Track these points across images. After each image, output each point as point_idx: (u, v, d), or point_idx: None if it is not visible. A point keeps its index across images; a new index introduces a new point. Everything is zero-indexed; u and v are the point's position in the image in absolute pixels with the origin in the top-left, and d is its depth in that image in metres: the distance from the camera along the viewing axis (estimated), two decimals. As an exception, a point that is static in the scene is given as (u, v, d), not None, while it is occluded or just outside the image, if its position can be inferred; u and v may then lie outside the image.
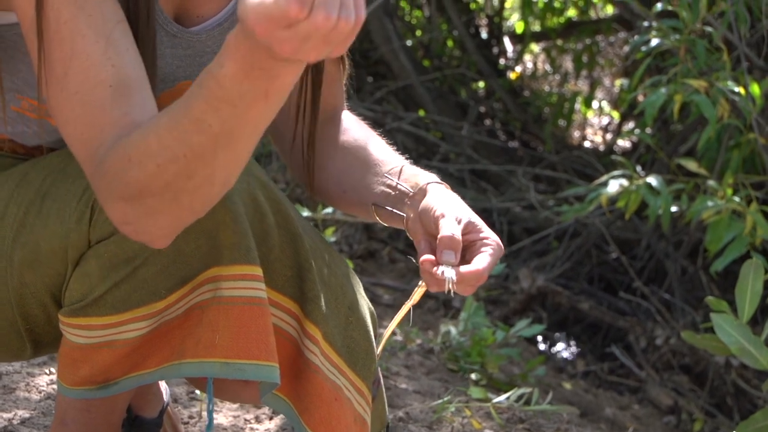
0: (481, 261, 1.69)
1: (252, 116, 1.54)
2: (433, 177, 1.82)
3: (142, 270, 1.78)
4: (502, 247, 1.72)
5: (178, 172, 1.60)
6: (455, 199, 1.79)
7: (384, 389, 2.10)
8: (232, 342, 1.83)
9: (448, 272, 1.65)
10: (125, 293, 1.80)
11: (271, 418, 2.79)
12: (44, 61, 1.73)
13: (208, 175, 1.62)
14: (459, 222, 1.72)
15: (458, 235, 1.69)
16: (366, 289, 2.49)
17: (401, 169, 1.86)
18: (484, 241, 1.73)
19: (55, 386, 2.76)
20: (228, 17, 1.99)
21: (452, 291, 1.66)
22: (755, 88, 3.55)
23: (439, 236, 1.71)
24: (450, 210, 1.75)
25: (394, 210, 1.82)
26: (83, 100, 1.72)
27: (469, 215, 1.74)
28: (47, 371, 2.85)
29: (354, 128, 2.00)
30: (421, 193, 1.79)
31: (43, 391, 2.79)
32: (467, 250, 1.72)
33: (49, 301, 1.86)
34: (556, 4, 5.97)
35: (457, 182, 4.54)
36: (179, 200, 1.65)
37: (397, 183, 1.83)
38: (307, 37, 1.38)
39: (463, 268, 1.66)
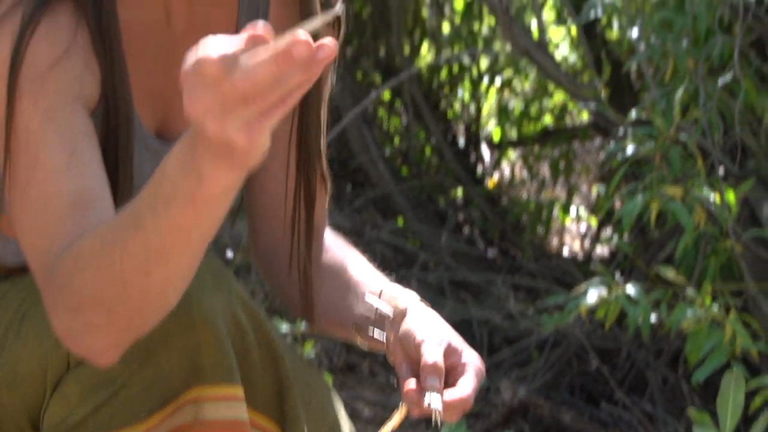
0: (466, 387, 1.69)
1: (181, 224, 1.52)
2: (413, 297, 1.83)
3: (122, 392, 1.77)
4: (484, 369, 1.72)
5: (114, 277, 1.60)
6: (435, 320, 1.80)
7: None
8: None
9: (435, 402, 1.65)
10: (106, 416, 1.79)
11: None
12: (9, 169, 1.75)
13: (143, 288, 1.61)
14: (441, 343, 1.73)
15: (441, 362, 1.68)
16: (346, 404, 2.53)
17: (381, 290, 1.86)
18: (466, 364, 1.73)
19: None
20: None
21: (439, 421, 1.66)
22: (730, 195, 3.38)
23: (422, 363, 1.70)
24: (430, 334, 1.75)
25: (375, 332, 1.82)
26: (41, 209, 1.73)
27: (450, 337, 1.74)
28: None
29: (335, 247, 2.02)
30: (401, 314, 1.80)
31: None
32: (449, 373, 1.71)
33: (26, 425, 1.84)
34: (532, 112, 5.90)
35: (436, 292, 4.53)
36: (115, 314, 1.64)
37: (378, 305, 1.84)
38: (226, 93, 1.35)
39: (449, 396, 1.66)
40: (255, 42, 1.32)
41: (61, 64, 1.76)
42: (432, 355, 1.68)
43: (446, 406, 1.64)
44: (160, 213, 1.52)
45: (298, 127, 1.98)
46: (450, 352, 1.71)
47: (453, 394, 1.65)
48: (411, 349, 1.72)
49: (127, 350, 1.67)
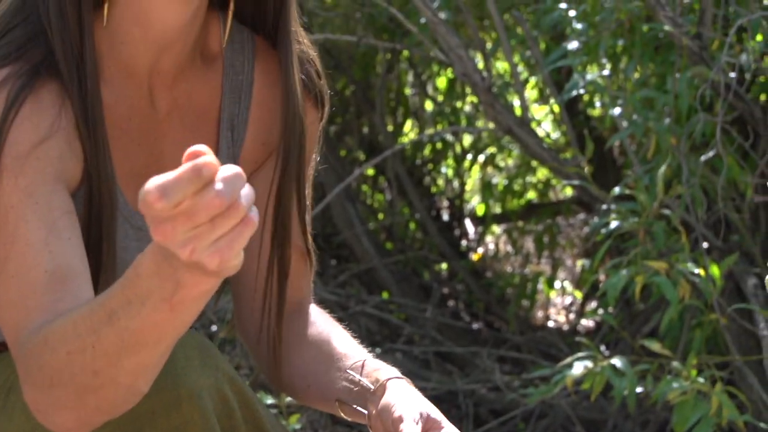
0: None
1: (156, 322, 1.53)
2: (394, 372, 1.84)
3: None
4: None
5: (85, 365, 1.60)
6: (414, 395, 1.80)
7: None
8: None
9: None
10: None
11: None
12: None
13: (113, 377, 1.62)
14: (417, 422, 1.73)
15: None
16: None
17: (363, 364, 1.87)
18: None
19: None
20: None
21: None
22: (715, 270, 3.39)
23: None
24: (408, 410, 1.76)
25: (357, 407, 1.83)
26: (18, 284, 1.74)
27: (429, 411, 1.75)
28: None
29: (319, 321, 2.01)
30: (382, 389, 1.80)
31: None
32: None
33: None
34: (516, 187, 5.85)
35: (422, 365, 4.51)
36: (84, 398, 1.65)
37: (359, 379, 1.84)
38: (184, 223, 1.35)
39: None
40: (198, 172, 1.32)
41: (44, 144, 1.77)
42: (409, 430, 1.70)
43: None
44: (136, 310, 1.53)
45: (275, 204, 1.99)
46: (430, 425, 1.73)
47: None
48: (389, 423, 1.74)
49: (115, 427, 1.68)
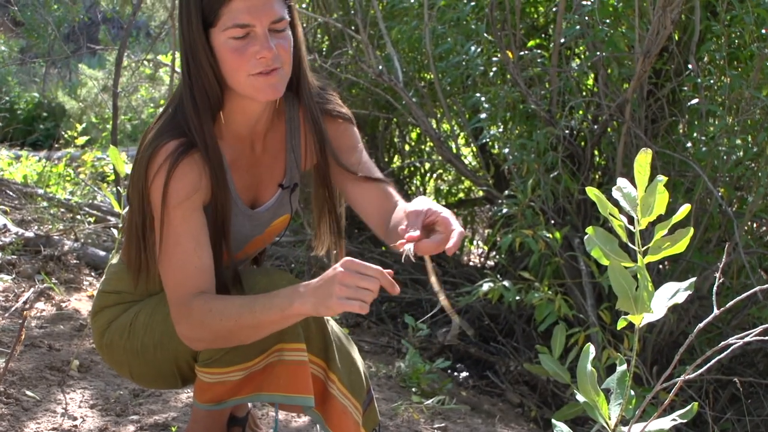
0: (435, 237, 1.94)
1: (273, 321, 2.01)
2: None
3: (242, 346, 2.15)
4: (449, 220, 1.96)
5: (228, 329, 2.02)
6: (422, 200, 2.02)
7: (376, 403, 2.43)
8: (289, 384, 2.19)
9: (407, 247, 1.92)
10: (231, 357, 2.18)
11: (304, 415, 3.22)
12: (162, 245, 2.13)
13: (246, 337, 2.07)
14: (418, 215, 1.97)
15: (418, 219, 1.95)
16: (357, 345, 2.80)
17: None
18: (440, 218, 1.96)
19: (190, 401, 3.27)
20: (274, 203, 2.35)
21: (412, 257, 1.91)
22: (557, 234, 4.18)
23: (406, 213, 1.99)
24: (413, 205, 2.02)
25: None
26: (179, 269, 2.10)
27: (430, 206, 1.99)
28: (186, 392, 3.39)
29: (400, 203, 2.25)
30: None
31: (184, 402, 3.30)
32: (433, 226, 1.98)
33: (190, 359, 2.29)
34: (453, 191, 6.61)
35: (401, 286, 4.90)
36: (216, 339, 2.09)
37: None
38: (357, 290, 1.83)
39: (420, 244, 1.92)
40: (380, 273, 1.83)
41: (197, 193, 2.12)
42: (411, 215, 1.97)
43: (417, 248, 1.92)
44: (263, 314, 1.97)
45: (324, 180, 2.37)
46: (431, 215, 1.97)
47: (421, 243, 1.92)
48: (398, 224, 2.06)
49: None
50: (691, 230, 1.62)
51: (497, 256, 5.47)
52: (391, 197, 2.27)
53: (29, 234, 5.11)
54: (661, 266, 4.44)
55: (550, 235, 4.17)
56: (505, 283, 4.10)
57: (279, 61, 2.08)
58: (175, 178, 2.05)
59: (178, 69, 7.36)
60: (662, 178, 1.58)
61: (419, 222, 1.94)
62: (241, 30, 2.04)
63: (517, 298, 4.07)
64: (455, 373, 4.74)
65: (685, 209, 1.59)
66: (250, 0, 2.03)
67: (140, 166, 2.09)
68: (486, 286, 4.11)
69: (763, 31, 4.21)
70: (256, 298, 1.99)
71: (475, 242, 6.65)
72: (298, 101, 2.28)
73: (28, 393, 3.14)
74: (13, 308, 4.09)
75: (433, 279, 1.98)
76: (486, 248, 6.22)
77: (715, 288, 1.72)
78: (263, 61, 2.05)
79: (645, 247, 1.62)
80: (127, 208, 2.24)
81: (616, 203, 1.64)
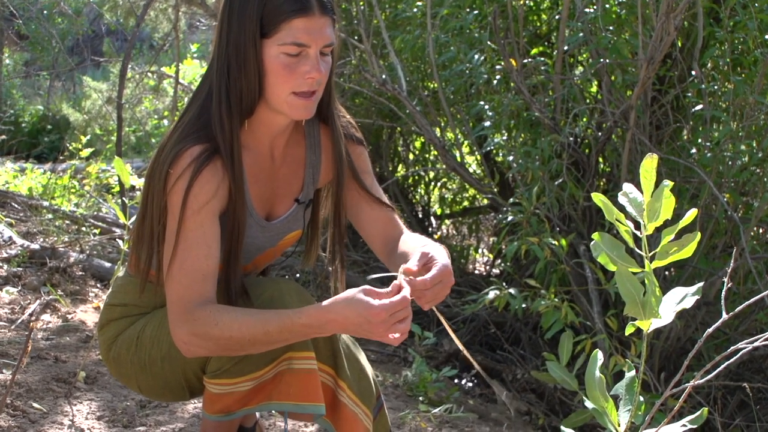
0: (429, 275, 2.00)
1: (289, 338, 2.03)
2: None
3: (251, 355, 2.14)
4: (442, 265, 2.03)
5: (239, 342, 2.02)
6: (427, 243, 2.14)
7: (386, 410, 2.42)
8: (300, 392, 2.19)
9: (400, 277, 2.00)
10: (240, 367, 2.17)
11: (313, 424, 3.27)
12: (175, 248, 2.12)
13: (252, 351, 2.08)
14: (421, 258, 2.03)
15: (414, 263, 2.02)
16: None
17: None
18: (434, 264, 2.02)
19: (198, 411, 3.33)
20: (288, 217, 2.36)
21: (403, 282, 1.97)
22: (563, 241, 4.13)
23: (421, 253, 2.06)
24: (415, 251, 2.10)
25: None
26: (188, 275, 2.10)
27: (431, 251, 2.07)
28: (193, 403, 3.43)
29: (407, 238, 2.31)
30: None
31: (191, 413, 3.34)
32: (428, 269, 2.04)
33: (199, 371, 2.28)
34: (458, 199, 6.62)
35: None
36: (227, 352, 2.09)
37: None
38: (391, 320, 1.87)
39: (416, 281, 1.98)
40: (399, 289, 1.87)
41: (214, 198, 2.12)
42: (411, 261, 2.02)
43: (411, 284, 1.97)
44: (279, 335, 2.00)
45: (335, 199, 2.38)
46: (428, 260, 2.04)
47: (416, 280, 1.96)
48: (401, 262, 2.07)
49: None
50: (699, 235, 1.64)
51: (503, 264, 5.42)
52: (397, 225, 2.34)
53: (35, 246, 5.16)
54: (667, 272, 4.43)
55: (556, 243, 4.14)
56: (511, 290, 4.08)
57: (319, 83, 2.15)
58: (198, 183, 2.07)
59: (182, 81, 7.49)
60: (668, 183, 1.59)
61: (423, 262, 2.03)
62: (296, 48, 2.10)
63: (523, 305, 4.04)
64: (462, 382, 4.80)
65: (692, 213, 1.61)
66: (311, 21, 2.09)
67: (162, 166, 2.11)
68: (492, 294, 4.08)
69: (767, 36, 4.25)
70: (268, 320, 2.01)
71: (480, 250, 6.69)
72: (317, 118, 2.33)
73: (35, 405, 3.18)
74: (19, 320, 4.12)
75: (453, 337, 2.17)
76: (491, 256, 6.25)
77: (723, 292, 1.74)
78: (310, 81, 2.11)
79: (652, 253, 1.63)
80: (133, 218, 2.26)
81: (622, 209, 1.65)
